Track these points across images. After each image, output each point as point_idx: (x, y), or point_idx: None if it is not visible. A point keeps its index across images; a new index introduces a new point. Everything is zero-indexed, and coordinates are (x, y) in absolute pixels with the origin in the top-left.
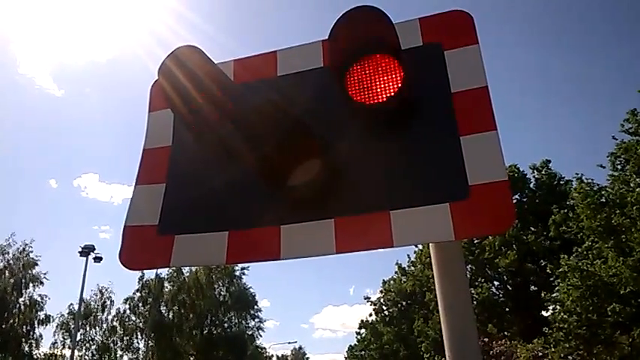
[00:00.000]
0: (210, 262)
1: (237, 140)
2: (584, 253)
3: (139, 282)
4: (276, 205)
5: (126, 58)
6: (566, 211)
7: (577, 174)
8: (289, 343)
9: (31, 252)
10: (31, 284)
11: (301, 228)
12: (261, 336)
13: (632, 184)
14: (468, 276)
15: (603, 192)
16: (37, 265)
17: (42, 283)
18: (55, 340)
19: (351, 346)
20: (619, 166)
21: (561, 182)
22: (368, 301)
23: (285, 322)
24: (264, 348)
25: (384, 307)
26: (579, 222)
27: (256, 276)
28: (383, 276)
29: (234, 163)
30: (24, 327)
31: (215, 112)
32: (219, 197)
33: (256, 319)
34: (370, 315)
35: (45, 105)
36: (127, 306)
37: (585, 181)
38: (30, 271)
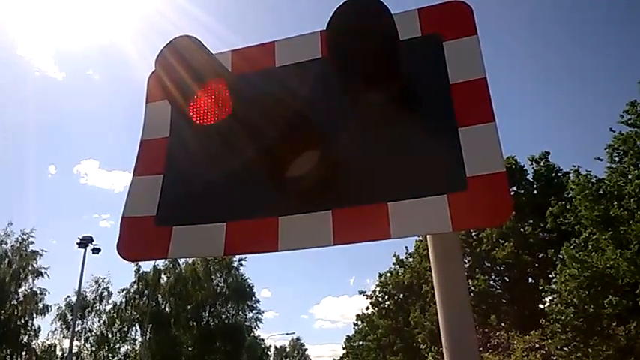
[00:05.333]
0: (208, 253)
1: (235, 131)
2: (582, 244)
3: (135, 274)
4: (274, 196)
5: (130, 41)
6: (563, 203)
7: (575, 166)
8: (287, 334)
9: (32, 243)
10: (30, 276)
11: (299, 219)
12: (259, 327)
13: (629, 177)
14: (465, 268)
15: (601, 184)
16: (40, 255)
17: (41, 274)
18: (55, 329)
19: (348, 336)
20: (617, 159)
21: (559, 174)
22: (363, 295)
23: (284, 312)
24: (263, 339)
25: (381, 300)
26: (577, 214)
27: (257, 266)
28: (383, 266)
29: (232, 154)
30: (22, 318)
31: (213, 103)
32: (217, 188)
33: (254, 310)
34: (367, 308)
35: (45, 88)
36: (123, 298)
37: (583, 173)
38: (31, 264)
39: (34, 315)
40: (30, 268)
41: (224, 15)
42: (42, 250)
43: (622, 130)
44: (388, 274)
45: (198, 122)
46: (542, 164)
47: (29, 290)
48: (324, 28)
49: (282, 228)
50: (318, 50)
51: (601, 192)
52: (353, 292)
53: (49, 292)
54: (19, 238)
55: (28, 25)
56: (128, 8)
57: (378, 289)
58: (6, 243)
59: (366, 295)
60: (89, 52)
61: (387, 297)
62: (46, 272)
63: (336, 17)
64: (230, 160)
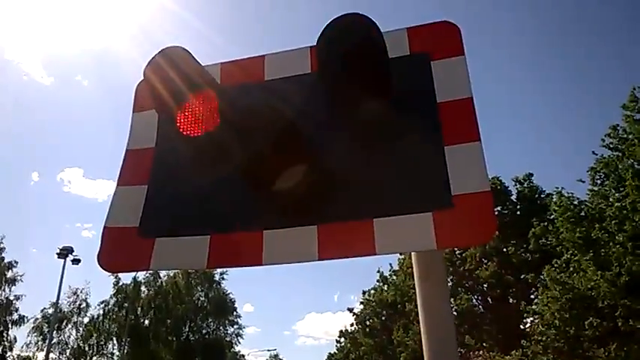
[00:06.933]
0: (191, 266)
1: (222, 143)
2: (563, 266)
3: (114, 287)
4: (259, 210)
5: (120, 48)
6: (546, 224)
7: (557, 188)
8: (268, 350)
9: (4, 250)
10: (4, 285)
11: (284, 234)
12: (240, 343)
13: (611, 199)
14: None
15: (583, 206)
16: (13, 267)
17: (15, 282)
18: (30, 341)
19: (330, 354)
20: (598, 181)
21: (542, 195)
22: (351, 313)
23: (267, 328)
24: (243, 355)
25: (366, 318)
26: (559, 235)
27: (240, 280)
28: (368, 283)
29: (218, 166)
30: None
31: (200, 115)
32: (201, 201)
33: (235, 326)
34: (352, 325)
35: (32, 93)
36: (102, 310)
37: (565, 195)
38: (5, 273)
39: (10, 325)
40: (3, 278)
41: (218, 24)
42: (15, 262)
43: (604, 153)
44: (372, 292)
45: (185, 133)
46: (525, 185)
47: (5, 300)
48: (315, 44)
49: (267, 242)
50: (307, 65)
51: (583, 214)
52: (337, 309)
53: (25, 296)
54: None
55: (17, 29)
56: (119, 15)
57: (362, 306)
58: None
59: (354, 314)
60: (79, 58)
61: (371, 314)
62: (20, 278)
63: (326, 33)
64: (216, 172)
